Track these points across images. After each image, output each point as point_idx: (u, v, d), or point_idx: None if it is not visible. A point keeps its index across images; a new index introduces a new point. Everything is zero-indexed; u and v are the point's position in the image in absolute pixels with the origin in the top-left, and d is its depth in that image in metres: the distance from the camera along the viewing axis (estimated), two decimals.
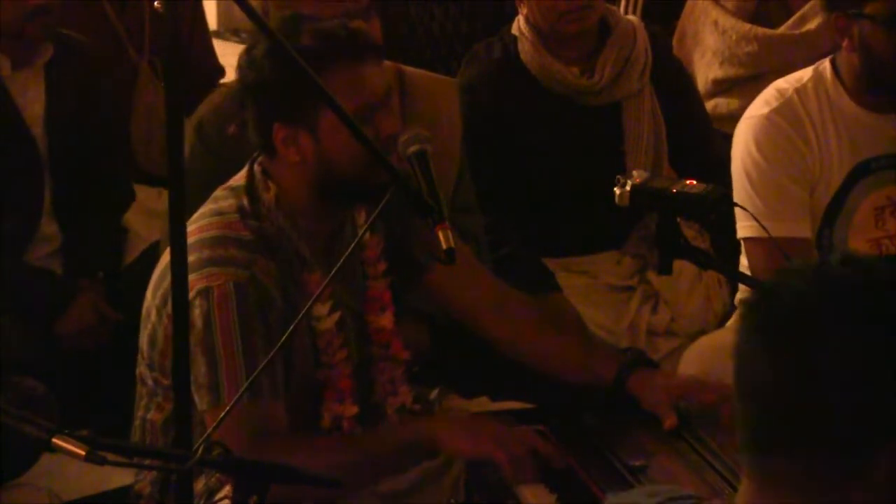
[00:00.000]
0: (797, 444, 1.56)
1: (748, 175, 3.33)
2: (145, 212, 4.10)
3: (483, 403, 3.28)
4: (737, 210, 3.25)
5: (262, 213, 2.83)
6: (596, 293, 3.84)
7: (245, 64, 2.81)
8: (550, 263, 3.80)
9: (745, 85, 4.37)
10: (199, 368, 2.75)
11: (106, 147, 4.00)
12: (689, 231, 3.87)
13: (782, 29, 4.40)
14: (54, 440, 2.05)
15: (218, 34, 7.12)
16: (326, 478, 2.39)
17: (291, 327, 2.42)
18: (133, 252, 4.06)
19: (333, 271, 2.46)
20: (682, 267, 3.70)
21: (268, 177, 2.85)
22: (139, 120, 4.24)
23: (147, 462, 2.31)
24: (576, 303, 3.70)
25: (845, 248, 3.38)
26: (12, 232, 3.73)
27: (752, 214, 3.19)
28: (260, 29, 2.17)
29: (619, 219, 3.59)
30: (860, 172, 3.36)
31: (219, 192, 2.90)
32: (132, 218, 4.11)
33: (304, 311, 2.49)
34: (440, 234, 2.52)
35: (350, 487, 2.71)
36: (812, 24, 4.33)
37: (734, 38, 4.40)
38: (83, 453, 2.03)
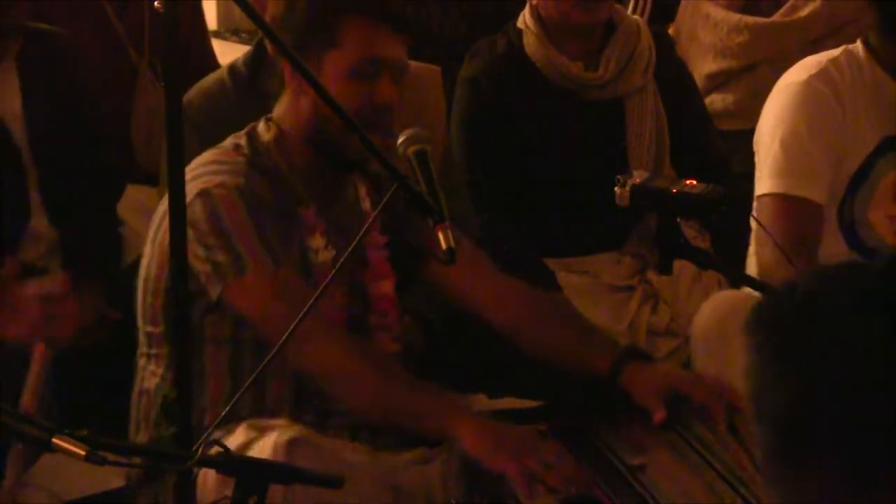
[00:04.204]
0: (819, 454, 1.53)
1: (781, 135, 3.35)
2: (145, 212, 4.08)
3: (481, 401, 3.27)
4: (758, 167, 3.34)
5: (259, 150, 2.92)
6: (596, 293, 3.84)
7: None
8: (550, 263, 3.81)
9: (739, 79, 4.38)
10: (215, 252, 2.81)
11: (91, 139, 3.97)
12: (689, 231, 3.87)
13: (773, 17, 4.41)
14: (54, 440, 2.05)
15: (218, 34, 7.12)
16: (326, 477, 2.39)
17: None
18: (132, 252, 4.05)
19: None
20: (682, 267, 3.70)
21: (270, 121, 2.95)
22: (139, 120, 4.24)
23: (147, 462, 2.31)
24: (576, 302, 3.69)
25: (863, 220, 3.39)
26: (3, 228, 3.72)
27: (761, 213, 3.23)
28: (260, 29, 2.18)
29: (620, 219, 3.59)
30: (887, 146, 3.38)
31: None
32: (132, 218, 4.11)
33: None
34: (440, 234, 2.52)
35: (359, 412, 2.74)
36: (803, 12, 4.34)
37: (725, 29, 4.41)
38: (83, 453, 2.03)
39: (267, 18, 3.35)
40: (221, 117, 3.48)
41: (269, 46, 3.60)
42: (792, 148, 3.33)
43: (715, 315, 3.37)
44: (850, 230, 3.40)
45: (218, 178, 2.86)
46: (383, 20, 2.88)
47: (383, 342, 3.02)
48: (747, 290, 3.51)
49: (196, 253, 2.80)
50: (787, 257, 3.06)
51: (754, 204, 3.42)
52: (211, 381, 2.91)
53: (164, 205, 2.89)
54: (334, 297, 2.92)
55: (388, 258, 3.05)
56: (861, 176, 3.38)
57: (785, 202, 3.30)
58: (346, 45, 2.86)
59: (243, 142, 2.95)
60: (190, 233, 2.78)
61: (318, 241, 2.91)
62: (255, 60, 3.60)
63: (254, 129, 2.97)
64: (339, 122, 2.73)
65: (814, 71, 3.38)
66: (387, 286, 3.03)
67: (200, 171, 2.89)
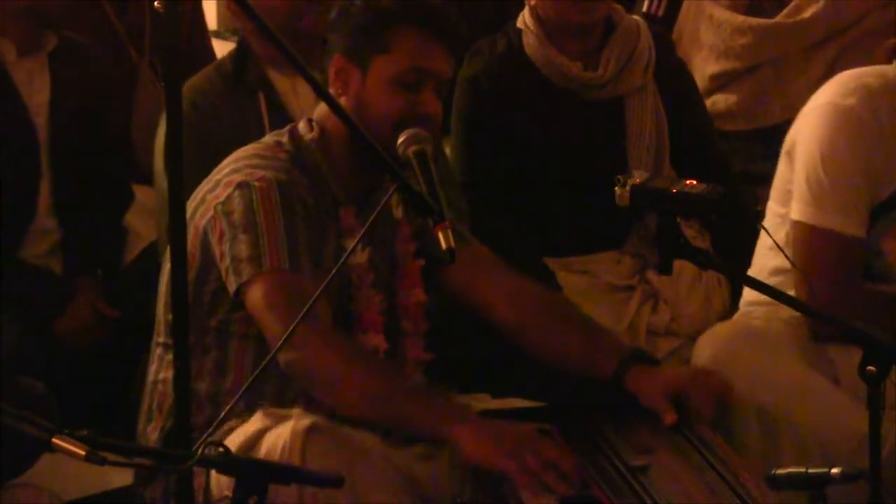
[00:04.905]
0: None
1: (823, 160, 3.27)
2: (145, 212, 4.10)
3: (484, 400, 3.27)
4: (801, 191, 3.27)
5: (301, 148, 2.94)
6: (596, 293, 3.84)
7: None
8: (550, 263, 3.81)
9: (742, 79, 4.37)
10: (239, 245, 2.82)
11: (107, 147, 4.01)
12: (689, 231, 3.87)
13: (777, 19, 4.40)
14: (54, 440, 2.05)
15: (218, 34, 7.10)
16: (326, 477, 2.39)
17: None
18: (132, 251, 4.06)
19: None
20: (682, 267, 3.70)
21: (312, 121, 2.98)
22: (139, 120, 4.24)
23: (147, 462, 2.31)
24: (576, 302, 3.69)
25: (876, 249, 3.33)
26: (7, 222, 3.73)
27: (766, 230, 3.19)
28: (260, 28, 2.18)
29: (619, 218, 3.58)
30: None
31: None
32: (132, 218, 4.11)
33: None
34: (440, 234, 2.53)
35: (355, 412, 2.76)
36: (807, 13, 4.33)
37: (729, 30, 4.39)
38: (83, 453, 2.03)
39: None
40: (209, 110, 3.62)
41: (253, 43, 3.64)
42: (838, 179, 3.26)
43: (714, 351, 3.33)
44: None
45: (260, 173, 2.88)
46: (436, 34, 2.92)
47: (415, 349, 3.04)
48: (741, 321, 3.49)
49: (222, 249, 2.83)
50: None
51: (791, 229, 3.34)
52: (233, 374, 2.92)
53: (200, 192, 2.93)
54: (373, 300, 2.94)
55: (420, 269, 3.05)
56: (887, 207, 3.31)
57: (826, 237, 3.24)
58: (396, 52, 2.90)
59: (285, 139, 2.97)
60: (223, 223, 2.83)
61: (354, 243, 2.91)
62: (240, 56, 3.71)
63: (294, 128, 2.99)
64: (377, 127, 2.81)
65: (861, 95, 3.28)
66: (420, 293, 3.04)
67: (242, 164, 2.91)
